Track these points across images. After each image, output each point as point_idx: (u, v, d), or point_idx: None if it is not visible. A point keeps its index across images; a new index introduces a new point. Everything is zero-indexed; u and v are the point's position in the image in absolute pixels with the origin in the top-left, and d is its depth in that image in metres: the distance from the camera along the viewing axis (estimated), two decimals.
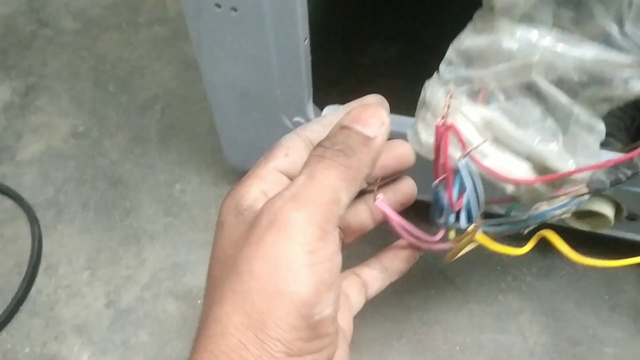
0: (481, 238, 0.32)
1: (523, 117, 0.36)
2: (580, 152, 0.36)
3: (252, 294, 0.25)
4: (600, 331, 0.60)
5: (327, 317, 0.26)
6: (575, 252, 0.35)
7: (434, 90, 0.37)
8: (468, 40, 0.37)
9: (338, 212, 0.27)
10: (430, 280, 0.64)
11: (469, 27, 0.38)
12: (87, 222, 0.68)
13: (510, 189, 0.36)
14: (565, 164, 0.36)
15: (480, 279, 0.63)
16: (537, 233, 0.36)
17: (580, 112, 0.36)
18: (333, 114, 0.34)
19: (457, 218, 0.34)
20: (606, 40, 0.35)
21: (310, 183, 0.27)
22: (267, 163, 0.32)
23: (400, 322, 0.60)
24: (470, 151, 0.32)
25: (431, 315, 0.61)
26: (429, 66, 0.39)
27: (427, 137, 0.37)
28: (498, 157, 0.35)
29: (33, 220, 0.66)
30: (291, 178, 0.31)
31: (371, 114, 0.30)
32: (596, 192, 0.50)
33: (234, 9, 0.45)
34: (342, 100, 0.56)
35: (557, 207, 0.40)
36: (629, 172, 0.54)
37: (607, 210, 0.55)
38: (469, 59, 0.37)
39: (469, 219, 0.33)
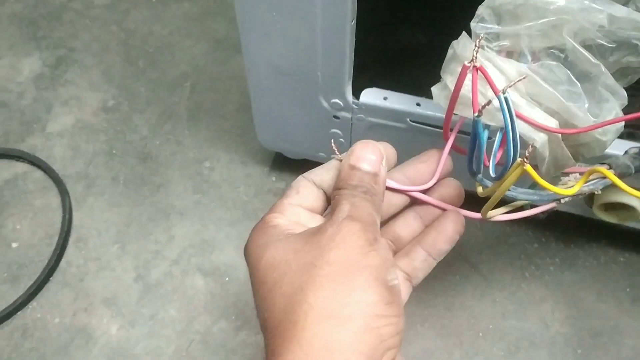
0: (530, 169, 0.32)
1: (551, 79, 0.36)
2: (604, 115, 0.37)
3: (338, 273, 0.30)
4: (621, 323, 0.61)
5: (397, 285, 0.31)
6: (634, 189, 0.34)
7: (465, 44, 0.37)
8: None
9: (378, 229, 0.33)
10: (454, 266, 0.64)
11: None
12: (116, 196, 0.68)
13: (540, 141, 0.36)
14: (589, 123, 0.36)
15: (504, 267, 0.64)
16: (588, 170, 0.36)
17: (606, 75, 0.36)
18: (336, 159, 0.37)
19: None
20: (635, 5, 0.36)
21: (355, 209, 0.33)
22: (282, 201, 0.36)
23: (425, 307, 0.61)
24: (513, 84, 0.32)
25: (455, 301, 0.62)
26: None
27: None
28: (528, 110, 0.35)
29: (64, 193, 0.67)
30: (306, 209, 0.37)
31: (371, 151, 0.35)
32: (622, 175, 0.50)
33: None
34: (373, 84, 0.56)
35: (585, 184, 0.40)
36: None
37: (636, 202, 0.55)
38: (501, 16, 0.37)
39: (514, 157, 0.34)
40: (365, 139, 0.58)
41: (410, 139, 0.56)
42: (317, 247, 0.31)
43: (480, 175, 0.37)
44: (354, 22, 0.47)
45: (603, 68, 0.36)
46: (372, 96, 0.54)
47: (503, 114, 0.31)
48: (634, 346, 0.60)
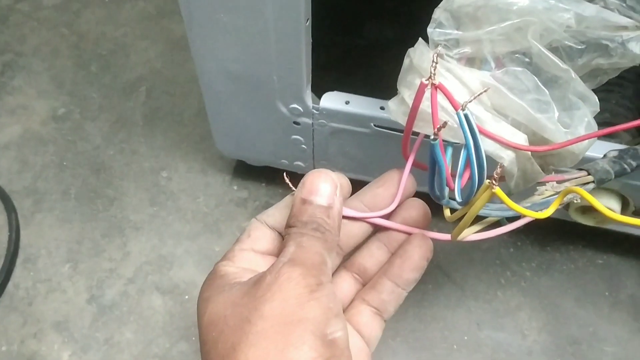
0: (500, 192, 0.29)
1: (517, 87, 0.33)
2: (576, 124, 0.34)
3: (272, 329, 0.27)
4: (600, 329, 0.59)
5: (339, 337, 0.29)
6: (608, 209, 0.32)
7: (423, 53, 0.34)
8: None
9: (327, 270, 0.31)
10: (427, 275, 0.61)
11: None
12: (67, 212, 0.64)
13: (507, 159, 0.33)
14: (561, 135, 0.33)
15: (479, 274, 0.62)
16: (563, 190, 0.33)
17: (576, 81, 0.33)
18: (287, 197, 0.36)
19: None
20: (600, 2, 0.34)
21: (300, 250, 0.31)
22: (233, 247, 0.35)
23: (397, 320, 0.58)
24: (474, 98, 0.29)
25: (428, 312, 0.59)
26: None
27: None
28: (494, 125, 0.32)
29: (10, 209, 0.63)
30: (260, 253, 0.35)
31: (323, 180, 0.33)
32: (601, 181, 0.48)
33: None
34: (339, 84, 0.53)
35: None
36: (634, 164, 0.52)
37: (614, 204, 0.53)
38: (460, 20, 0.34)
39: (479, 180, 0.31)
40: (328, 145, 0.55)
41: (376, 144, 0.53)
42: (254, 299, 0.29)
43: (445, 199, 0.33)
44: (308, 23, 0.44)
45: (573, 74, 0.33)
46: (332, 100, 0.50)
47: (464, 134, 0.28)
48: (614, 353, 0.57)
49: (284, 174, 0.36)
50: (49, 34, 0.80)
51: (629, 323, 0.59)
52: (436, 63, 0.30)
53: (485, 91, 0.30)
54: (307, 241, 0.31)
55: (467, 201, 0.31)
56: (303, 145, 0.56)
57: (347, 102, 0.50)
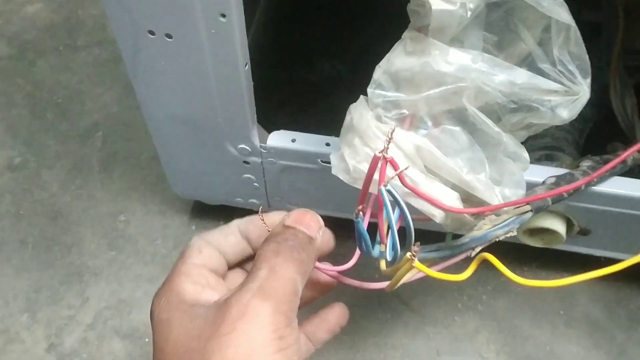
0: (419, 266, 0.31)
1: (451, 145, 0.35)
2: (506, 181, 0.36)
3: None
4: (557, 347, 0.60)
5: None
6: (515, 274, 0.34)
7: (362, 114, 0.36)
8: (398, 61, 0.36)
9: (297, 302, 0.30)
10: (385, 304, 0.62)
11: (399, 48, 0.36)
12: (25, 261, 0.64)
13: (439, 218, 0.35)
14: (491, 193, 0.35)
15: (437, 300, 0.63)
16: (478, 256, 0.35)
17: (507, 141, 0.36)
18: (234, 224, 0.36)
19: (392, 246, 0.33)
20: (531, 67, 0.36)
21: (273, 276, 0.29)
22: (185, 261, 0.33)
23: (357, 350, 0.59)
24: (394, 176, 0.31)
25: (388, 341, 0.60)
26: None
27: (356, 163, 0.35)
28: (427, 184, 0.34)
29: None
30: (211, 270, 0.34)
31: (311, 218, 0.33)
32: (538, 210, 0.50)
33: (169, 36, 0.43)
34: (290, 121, 0.54)
35: (500, 227, 0.39)
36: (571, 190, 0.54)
37: (558, 226, 0.54)
38: (399, 82, 0.36)
39: (395, 249, 0.33)
40: (280, 182, 0.56)
41: (325, 179, 0.54)
42: (218, 337, 0.28)
43: (375, 255, 0.35)
44: (247, 67, 0.45)
45: (504, 136, 0.35)
46: (279, 139, 0.52)
47: (385, 209, 0.30)
48: None
49: (259, 214, 0.36)
50: (4, 84, 0.81)
51: (585, 339, 0.60)
52: (390, 139, 0.31)
53: (405, 169, 0.32)
54: (282, 264, 0.30)
55: (393, 262, 0.33)
56: (255, 184, 0.57)
57: (293, 140, 0.52)
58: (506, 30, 0.36)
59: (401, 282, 0.35)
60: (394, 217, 0.31)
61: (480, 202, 0.36)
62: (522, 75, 0.35)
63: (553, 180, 0.52)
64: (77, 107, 0.78)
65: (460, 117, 0.36)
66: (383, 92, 0.36)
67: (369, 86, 0.36)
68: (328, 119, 0.53)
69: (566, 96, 0.36)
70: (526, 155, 0.36)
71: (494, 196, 0.36)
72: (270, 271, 0.30)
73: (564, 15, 0.35)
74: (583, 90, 0.36)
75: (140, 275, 0.63)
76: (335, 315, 0.38)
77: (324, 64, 0.81)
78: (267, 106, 0.52)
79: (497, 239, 0.39)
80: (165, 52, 0.44)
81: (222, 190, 0.60)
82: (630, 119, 0.61)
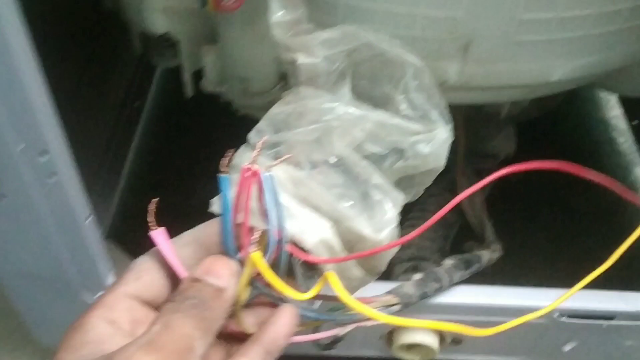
0: (256, 257, 0.31)
1: (327, 182, 0.37)
2: (378, 216, 0.37)
3: None
4: None
5: None
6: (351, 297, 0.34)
7: (243, 153, 0.37)
8: (276, 109, 0.39)
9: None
10: None
11: (279, 102, 0.40)
12: None
13: (311, 242, 0.35)
14: (362, 223, 0.36)
15: None
16: (322, 277, 0.35)
17: (377, 177, 0.37)
18: (188, 234, 0.34)
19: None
20: (396, 110, 0.39)
21: (165, 331, 0.27)
22: (116, 289, 0.30)
23: None
24: (278, 162, 0.34)
25: None
26: None
27: (232, 193, 0.35)
28: (302, 215, 0.35)
29: None
30: (147, 302, 0.31)
31: (222, 265, 0.31)
32: (405, 305, 0.51)
33: (3, 196, 0.42)
34: None
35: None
36: (436, 286, 0.56)
37: (430, 340, 0.55)
38: (277, 126, 0.38)
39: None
40: None
41: None
42: None
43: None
44: (89, 220, 0.44)
45: (375, 174, 0.37)
46: None
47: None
48: None
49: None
50: None
51: None
52: (260, 150, 0.34)
53: (288, 157, 0.35)
54: (177, 320, 0.28)
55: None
56: None
57: None
58: (372, 79, 0.40)
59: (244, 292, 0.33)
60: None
61: (359, 242, 0.37)
62: (385, 118, 0.38)
63: (420, 276, 0.54)
64: None
65: (336, 163, 0.38)
66: (262, 135, 0.38)
67: (251, 133, 0.38)
68: None
69: (427, 136, 0.38)
70: (399, 195, 0.38)
71: (364, 226, 0.36)
72: (163, 326, 0.27)
73: (416, 60, 0.39)
74: (441, 129, 0.38)
75: None
76: (285, 318, 0.34)
77: (205, 186, 0.81)
78: (147, 233, 0.51)
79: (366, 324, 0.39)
80: (5, 210, 0.43)
81: None
82: (479, 217, 0.65)
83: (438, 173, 0.40)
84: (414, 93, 0.39)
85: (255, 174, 0.33)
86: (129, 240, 0.72)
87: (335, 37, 0.40)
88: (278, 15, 0.40)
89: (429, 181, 0.40)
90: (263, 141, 0.35)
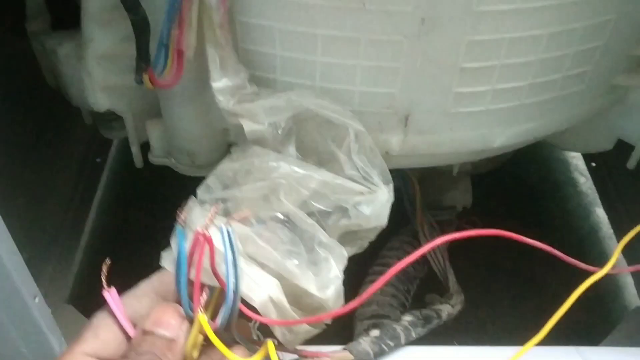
0: (205, 324, 0.31)
1: (274, 239, 0.37)
2: (323, 273, 0.38)
3: None
4: None
5: None
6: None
7: (191, 208, 0.37)
8: (224, 165, 0.40)
9: None
10: None
11: (226, 158, 0.41)
12: None
13: (258, 301, 0.35)
14: (308, 281, 0.37)
15: None
16: (264, 344, 0.34)
17: (322, 235, 0.38)
18: (144, 285, 0.35)
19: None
20: (340, 169, 0.40)
21: None
22: (74, 348, 0.31)
23: None
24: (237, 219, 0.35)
25: None
26: None
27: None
28: (250, 272, 0.35)
29: None
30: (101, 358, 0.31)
31: (171, 315, 0.31)
32: None
33: None
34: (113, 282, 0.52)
35: None
36: (392, 344, 0.56)
37: None
38: (225, 183, 0.39)
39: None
40: None
41: None
42: None
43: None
44: (38, 299, 0.44)
45: (319, 230, 0.38)
46: None
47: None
48: None
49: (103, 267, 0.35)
50: None
51: None
52: (215, 213, 0.34)
53: (216, 211, 0.34)
54: None
55: None
56: None
57: None
58: (317, 140, 0.42)
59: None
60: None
61: (305, 296, 0.37)
62: (329, 177, 0.39)
63: (377, 333, 0.53)
64: None
65: (282, 218, 0.38)
66: (211, 192, 0.39)
67: (198, 188, 0.39)
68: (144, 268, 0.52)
69: (368, 195, 0.40)
70: (341, 249, 0.38)
71: (309, 282, 0.37)
72: None
73: (358, 124, 0.40)
74: (382, 191, 0.40)
75: None
76: None
77: (169, 240, 0.81)
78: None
79: None
80: None
81: None
82: (442, 266, 0.65)
83: (380, 230, 0.41)
84: (355, 155, 0.40)
85: (209, 239, 0.32)
86: (92, 302, 0.71)
87: (279, 105, 0.41)
88: (220, 83, 0.41)
89: (373, 236, 0.41)
90: (215, 207, 0.35)
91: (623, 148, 0.60)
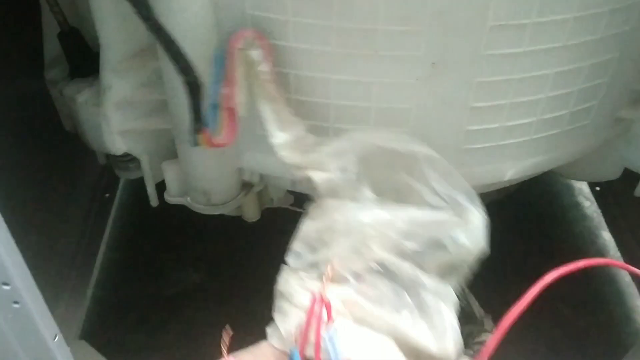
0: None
1: (377, 295, 0.37)
2: (435, 321, 0.36)
3: None
4: None
5: None
6: None
7: (287, 279, 0.38)
8: (306, 227, 0.39)
9: None
10: None
11: (306, 218, 0.40)
12: None
13: None
14: (424, 337, 0.36)
15: None
16: None
17: (426, 279, 0.37)
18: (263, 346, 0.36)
19: None
20: (420, 199, 0.39)
21: None
22: None
23: None
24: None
25: None
26: (233, 289, 0.38)
27: (286, 327, 0.36)
28: (361, 335, 0.35)
29: None
30: None
31: None
32: None
33: None
34: (147, 341, 0.52)
35: None
36: None
37: None
38: (312, 245, 0.39)
39: None
40: None
41: None
42: None
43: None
44: (57, 338, 0.45)
45: (422, 275, 0.37)
46: None
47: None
48: None
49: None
50: None
51: None
52: (329, 278, 0.35)
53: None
54: None
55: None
56: None
57: None
58: (389, 175, 0.40)
59: None
60: None
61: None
62: (416, 214, 0.38)
63: None
64: None
65: (379, 270, 0.38)
66: (300, 257, 0.39)
67: (288, 256, 0.39)
68: (188, 335, 0.52)
69: (457, 220, 0.38)
70: (451, 292, 0.38)
71: (424, 334, 0.36)
72: None
73: (426, 149, 0.39)
74: (473, 213, 0.38)
75: None
76: None
77: (179, 274, 0.81)
78: (121, 329, 0.50)
79: None
80: None
81: None
82: (462, 293, 0.65)
83: (479, 256, 0.39)
84: (434, 181, 0.39)
85: (326, 305, 0.33)
86: (103, 337, 0.71)
87: (344, 147, 0.40)
88: (279, 138, 0.40)
89: (472, 262, 0.39)
90: (331, 267, 0.36)
91: (626, 173, 0.61)
